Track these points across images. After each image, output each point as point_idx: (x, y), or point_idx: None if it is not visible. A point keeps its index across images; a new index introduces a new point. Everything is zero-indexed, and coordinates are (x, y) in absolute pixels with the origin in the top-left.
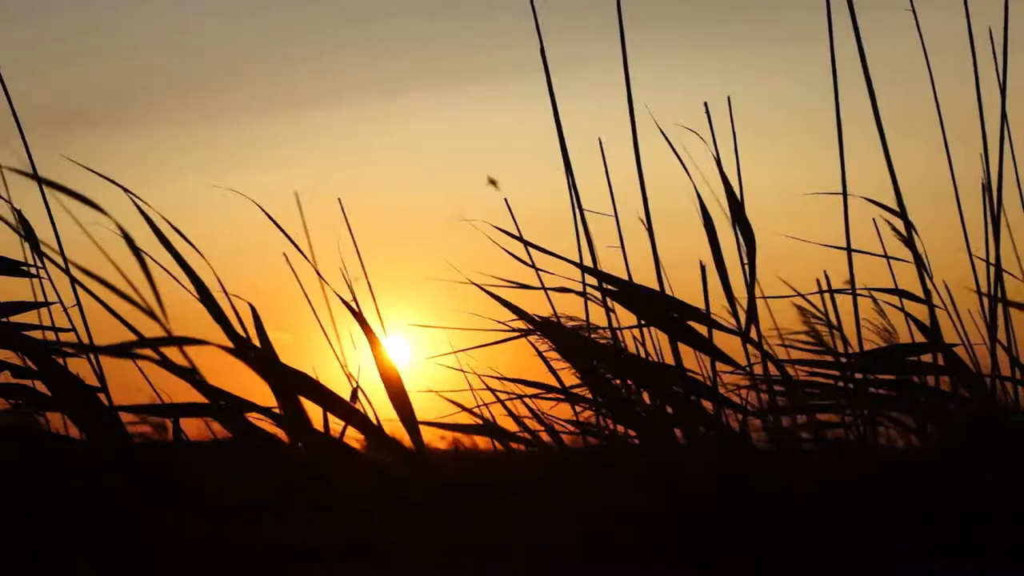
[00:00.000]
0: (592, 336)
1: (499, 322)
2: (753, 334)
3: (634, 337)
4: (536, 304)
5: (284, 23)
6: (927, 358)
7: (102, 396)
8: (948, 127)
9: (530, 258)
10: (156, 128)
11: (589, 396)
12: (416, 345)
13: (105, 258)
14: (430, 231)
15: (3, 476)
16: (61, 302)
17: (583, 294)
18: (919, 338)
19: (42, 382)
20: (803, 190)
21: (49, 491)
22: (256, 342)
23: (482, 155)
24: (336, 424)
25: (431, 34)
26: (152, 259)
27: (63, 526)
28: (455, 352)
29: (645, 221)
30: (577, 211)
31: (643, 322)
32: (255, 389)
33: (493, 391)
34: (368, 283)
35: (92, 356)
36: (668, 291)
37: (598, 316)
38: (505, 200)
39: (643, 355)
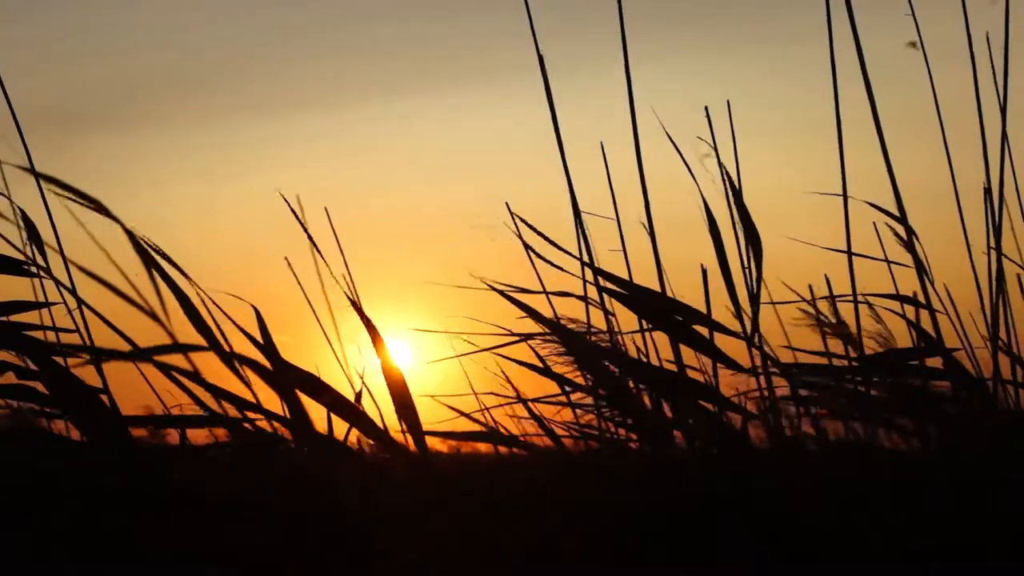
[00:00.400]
0: (593, 339)
1: (500, 327)
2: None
3: (634, 342)
4: (536, 307)
5: (284, 23)
6: (934, 361)
7: (104, 398)
8: (948, 128)
9: (532, 262)
10: (156, 128)
11: (591, 400)
12: (417, 348)
13: (107, 259)
14: (430, 232)
15: (4, 476)
16: (65, 303)
17: (584, 298)
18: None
19: (43, 383)
20: (803, 191)
21: (49, 492)
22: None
23: (482, 156)
24: (339, 427)
25: (431, 35)
26: (158, 258)
27: (62, 526)
28: (457, 356)
29: (647, 224)
30: (576, 214)
31: (646, 325)
32: (259, 390)
33: (498, 395)
34: (353, 287)
35: (95, 359)
36: (670, 294)
37: (598, 319)
38: (507, 204)
39: (644, 358)
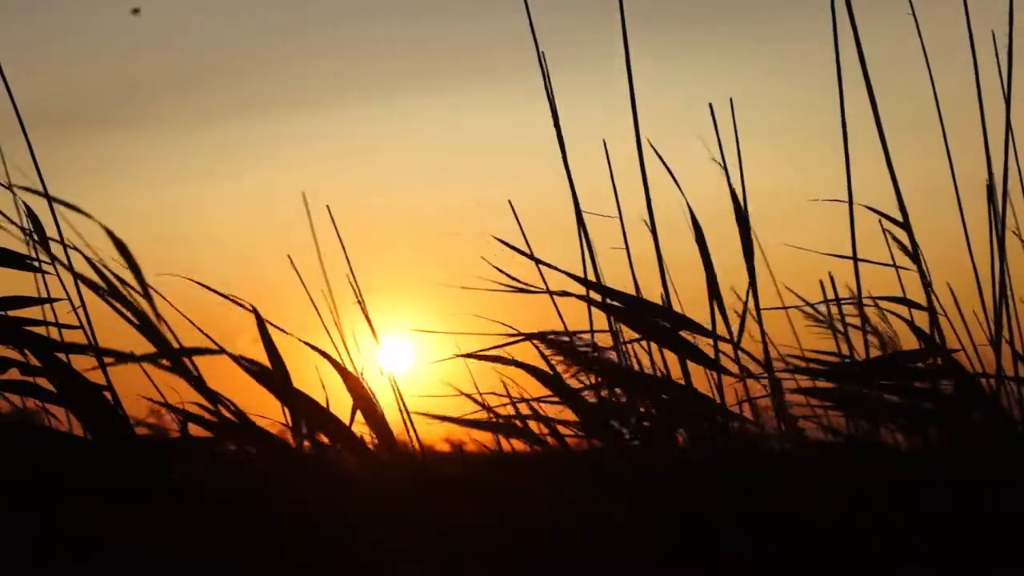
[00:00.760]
0: (596, 342)
1: (504, 324)
2: (759, 339)
3: (637, 345)
4: (542, 306)
5: (284, 23)
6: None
7: (107, 395)
8: (950, 129)
9: (535, 264)
10: (156, 128)
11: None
12: (420, 348)
13: (106, 259)
14: (430, 232)
15: (5, 474)
16: (69, 299)
17: (586, 298)
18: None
19: (47, 379)
20: (805, 192)
21: (51, 488)
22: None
23: (482, 156)
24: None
25: (431, 35)
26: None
27: (63, 523)
28: (460, 356)
29: (649, 223)
30: (577, 211)
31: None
32: (258, 389)
33: (500, 395)
34: (357, 288)
35: (98, 357)
36: (672, 293)
37: (602, 319)
38: (509, 202)
39: (648, 361)
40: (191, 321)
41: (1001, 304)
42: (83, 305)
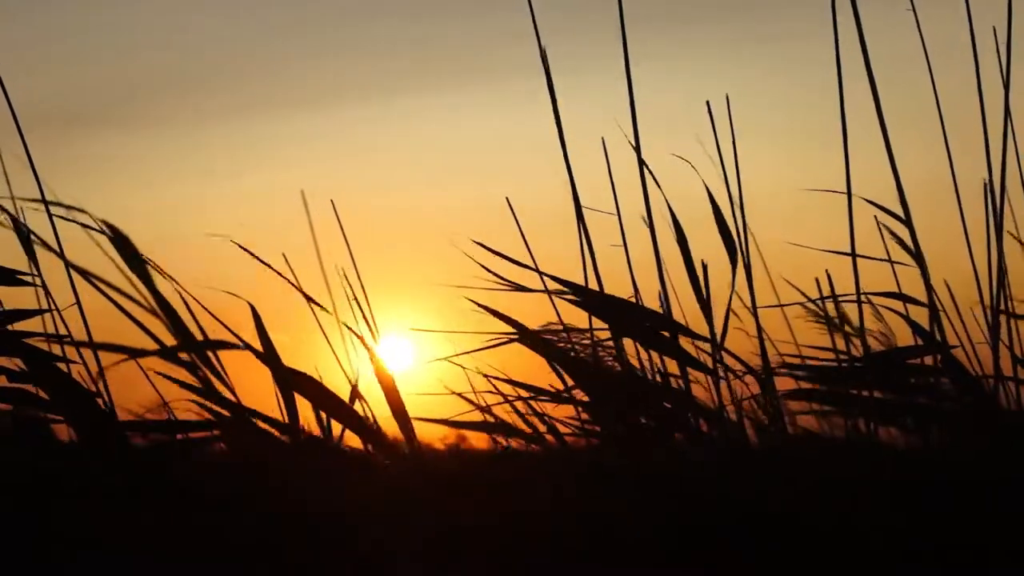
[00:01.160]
0: (592, 341)
1: (502, 316)
2: (756, 334)
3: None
4: (539, 305)
5: (284, 23)
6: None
7: (100, 402)
8: (950, 127)
9: (534, 261)
10: (156, 128)
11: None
12: (419, 347)
13: (106, 260)
14: (429, 232)
15: (5, 474)
16: (57, 309)
17: (582, 297)
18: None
19: (39, 386)
20: (804, 189)
21: (51, 488)
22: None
23: (482, 156)
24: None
25: (431, 35)
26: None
27: (63, 523)
28: (458, 355)
29: (647, 220)
30: (577, 208)
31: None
32: (259, 390)
33: (500, 392)
34: (360, 287)
35: (94, 355)
36: (670, 290)
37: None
38: (507, 199)
39: (645, 360)
40: (212, 314)
41: (999, 302)
42: (77, 304)
